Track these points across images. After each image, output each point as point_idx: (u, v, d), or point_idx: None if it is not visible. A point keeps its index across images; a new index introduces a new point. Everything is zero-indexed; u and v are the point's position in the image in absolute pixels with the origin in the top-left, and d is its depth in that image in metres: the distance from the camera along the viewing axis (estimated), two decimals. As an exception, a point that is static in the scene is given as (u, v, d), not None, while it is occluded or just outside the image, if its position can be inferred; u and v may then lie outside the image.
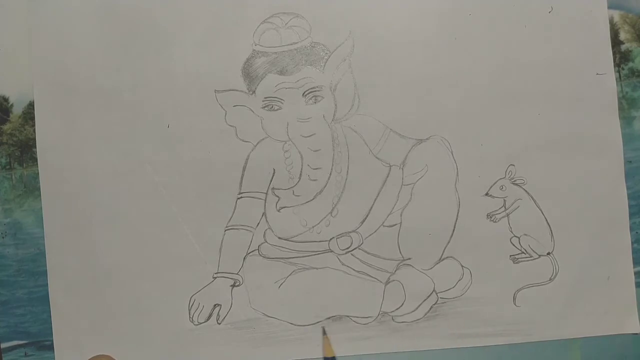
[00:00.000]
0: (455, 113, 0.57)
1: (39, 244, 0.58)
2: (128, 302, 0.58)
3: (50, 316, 0.58)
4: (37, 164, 0.58)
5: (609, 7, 0.58)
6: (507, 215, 0.57)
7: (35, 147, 0.58)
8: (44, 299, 0.58)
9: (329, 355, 0.56)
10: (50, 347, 0.58)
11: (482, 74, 0.57)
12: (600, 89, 0.58)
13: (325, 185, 0.58)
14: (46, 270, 0.58)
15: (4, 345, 0.59)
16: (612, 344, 0.58)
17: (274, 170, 0.58)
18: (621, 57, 0.58)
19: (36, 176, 0.58)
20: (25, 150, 0.59)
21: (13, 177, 0.59)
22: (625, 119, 0.58)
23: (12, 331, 0.59)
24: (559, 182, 0.57)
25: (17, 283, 0.59)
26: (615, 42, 0.58)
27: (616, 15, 0.58)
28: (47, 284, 0.58)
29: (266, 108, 0.57)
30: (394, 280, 0.57)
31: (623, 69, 0.58)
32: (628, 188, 0.58)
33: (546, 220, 0.57)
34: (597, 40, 0.58)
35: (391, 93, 0.57)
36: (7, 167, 0.59)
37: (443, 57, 0.57)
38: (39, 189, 0.58)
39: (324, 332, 0.57)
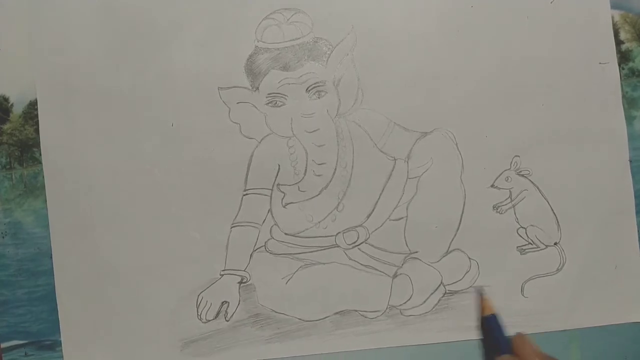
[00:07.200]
0: (459, 105, 0.57)
1: (39, 244, 0.57)
2: (135, 300, 0.57)
3: (51, 315, 0.57)
4: (37, 163, 0.58)
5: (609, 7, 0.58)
6: (514, 206, 0.57)
7: (36, 147, 0.58)
8: (44, 299, 0.57)
9: (488, 313, 0.54)
10: (51, 347, 0.57)
11: (485, 65, 0.57)
12: (604, 78, 0.58)
13: (331, 180, 0.57)
14: (46, 270, 0.57)
15: (4, 345, 0.58)
16: (613, 337, 0.57)
17: (279, 166, 0.57)
18: (621, 57, 0.59)
19: (36, 176, 0.58)
20: (25, 150, 0.58)
21: (13, 177, 0.58)
22: (626, 119, 0.58)
23: (12, 331, 0.58)
24: (564, 172, 0.57)
25: (17, 283, 0.58)
26: (616, 41, 0.59)
27: (616, 15, 0.59)
28: (48, 283, 0.57)
29: (270, 104, 0.57)
30: (401, 274, 0.57)
31: (623, 68, 0.59)
32: (629, 186, 0.58)
33: (552, 210, 0.57)
34: (599, 30, 0.58)
35: (394, 86, 0.57)
36: (7, 167, 0.58)
37: (445, 49, 0.57)
38: (39, 188, 0.58)
39: (482, 293, 0.56)
